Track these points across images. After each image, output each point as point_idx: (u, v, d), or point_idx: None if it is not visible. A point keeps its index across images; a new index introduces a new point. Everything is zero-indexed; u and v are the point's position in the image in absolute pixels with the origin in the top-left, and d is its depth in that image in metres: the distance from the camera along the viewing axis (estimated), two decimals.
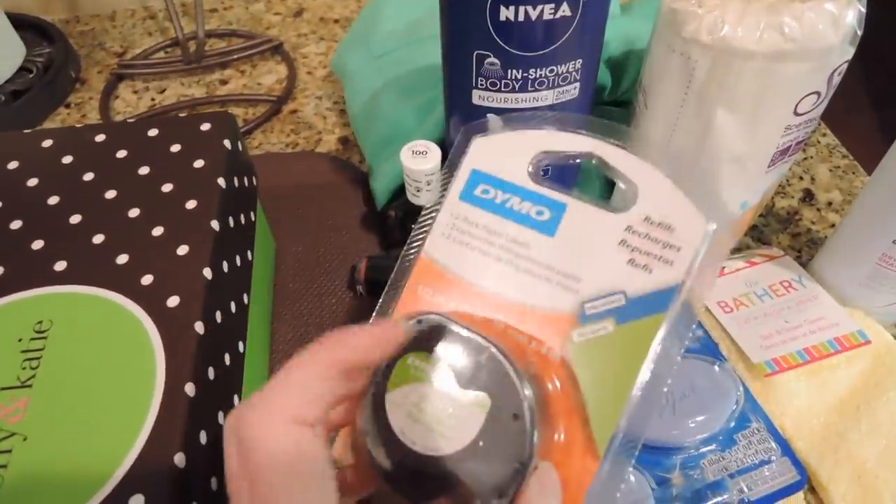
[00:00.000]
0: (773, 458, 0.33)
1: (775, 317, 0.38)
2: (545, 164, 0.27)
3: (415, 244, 0.26)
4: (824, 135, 0.50)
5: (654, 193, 0.24)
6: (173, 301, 0.28)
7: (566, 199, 0.25)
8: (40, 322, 0.28)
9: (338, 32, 0.61)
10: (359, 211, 0.45)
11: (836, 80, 0.33)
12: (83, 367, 0.26)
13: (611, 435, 0.22)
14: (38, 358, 0.26)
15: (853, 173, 0.47)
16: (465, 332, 0.23)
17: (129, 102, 0.56)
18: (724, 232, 0.23)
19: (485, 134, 0.27)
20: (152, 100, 0.55)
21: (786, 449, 0.34)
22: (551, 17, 0.31)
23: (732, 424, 0.34)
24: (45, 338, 0.27)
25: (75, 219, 0.32)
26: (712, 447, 0.34)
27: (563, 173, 0.38)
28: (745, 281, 0.40)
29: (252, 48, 0.58)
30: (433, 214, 0.27)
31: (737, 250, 0.42)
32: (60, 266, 0.30)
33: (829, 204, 0.45)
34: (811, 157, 0.48)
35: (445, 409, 0.22)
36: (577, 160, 0.26)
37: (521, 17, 0.31)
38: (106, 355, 0.26)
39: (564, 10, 0.31)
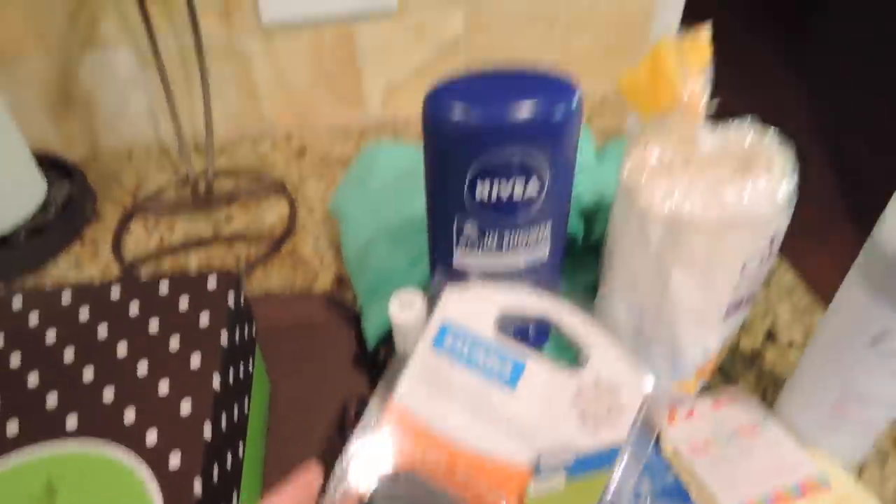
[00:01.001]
0: None
1: (742, 460, 0.40)
2: (509, 320, 0.30)
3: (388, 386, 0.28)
4: (785, 273, 0.54)
5: (603, 358, 0.27)
6: (175, 458, 0.30)
7: (525, 358, 0.27)
8: (51, 481, 0.30)
9: (337, 171, 0.66)
10: (351, 350, 0.48)
11: (778, 242, 0.37)
12: None
13: None
14: None
15: (813, 313, 0.50)
16: (439, 492, 0.24)
17: (140, 239, 0.60)
18: (662, 396, 0.26)
19: (457, 284, 0.30)
20: (161, 238, 0.60)
21: None
22: (521, 194, 0.35)
23: None
24: (53, 501, 0.29)
25: (88, 373, 0.34)
26: None
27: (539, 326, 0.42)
28: (714, 423, 0.42)
29: (257, 188, 0.63)
30: (407, 360, 0.29)
31: (705, 390, 0.45)
32: (72, 421, 0.32)
33: (791, 343, 0.48)
34: (773, 297, 0.52)
35: None
36: (536, 322, 0.29)
37: (494, 195, 0.35)
38: None
39: (533, 188, 0.35)
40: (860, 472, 0.41)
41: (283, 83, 0.70)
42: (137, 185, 0.66)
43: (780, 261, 0.55)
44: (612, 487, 0.24)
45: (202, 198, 0.62)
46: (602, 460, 0.25)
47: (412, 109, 0.74)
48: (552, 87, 0.35)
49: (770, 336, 0.49)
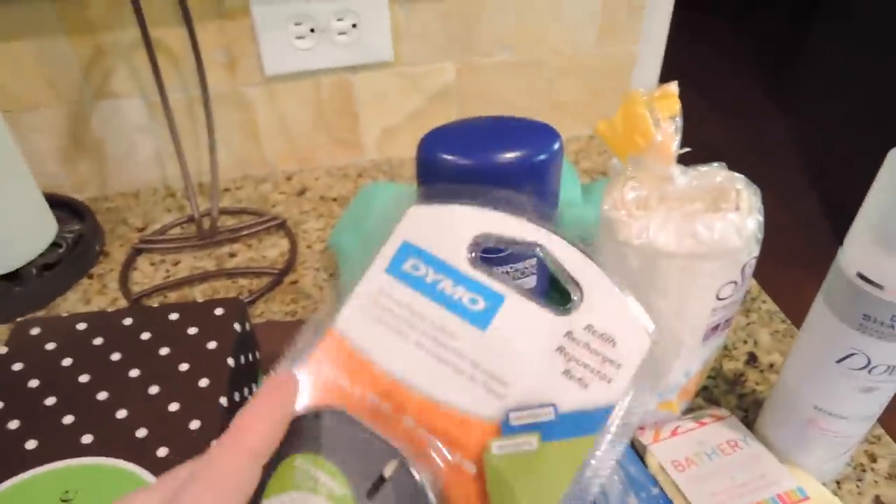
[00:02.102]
0: None
1: (723, 475, 0.42)
2: (485, 246, 0.24)
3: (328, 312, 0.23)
4: (765, 301, 0.56)
5: (599, 300, 0.22)
6: None
7: (505, 291, 0.22)
8: (67, 491, 0.32)
9: (335, 210, 0.69)
10: None
11: (749, 271, 0.40)
12: None
13: None
14: None
15: (790, 337, 0.53)
16: (371, 435, 0.20)
17: (147, 274, 0.62)
18: (669, 350, 0.21)
19: (424, 202, 0.24)
20: (167, 272, 0.62)
21: None
22: None
23: None
24: None
25: (102, 395, 0.36)
26: None
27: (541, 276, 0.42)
28: (697, 440, 0.44)
29: (259, 225, 0.66)
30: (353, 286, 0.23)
31: (689, 411, 0.47)
32: (87, 439, 0.34)
33: (771, 366, 0.51)
34: (754, 322, 0.54)
35: None
36: (522, 249, 0.24)
37: None
38: None
39: None
40: (838, 486, 0.43)
41: (284, 128, 0.73)
42: (144, 224, 0.69)
43: (760, 290, 0.58)
44: (593, 461, 0.20)
45: (206, 234, 0.64)
46: (588, 422, 0.20)
47: (406, 152, 0.78)
48: (535, 134, 0.38)
49: (751, 359, 0.51)
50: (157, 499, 0.19)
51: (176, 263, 0.63)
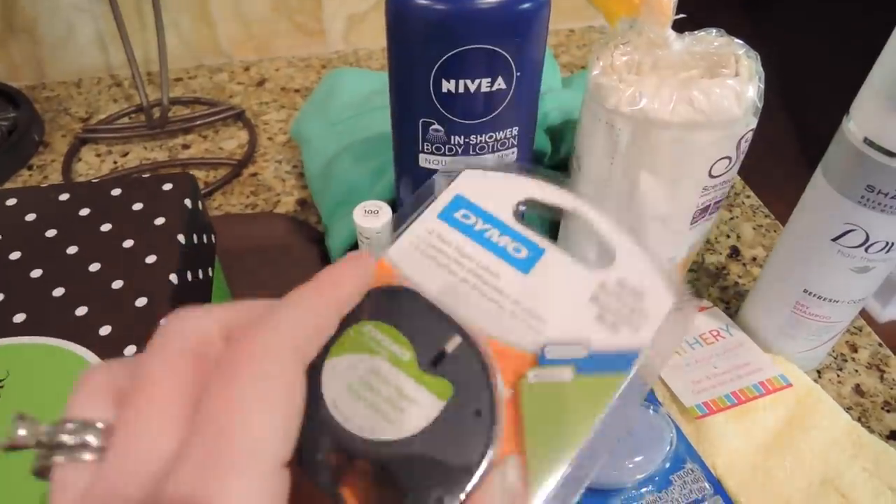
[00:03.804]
0: (706, 497, 0.35)
1: (705, 363, 0.40)
2: (524, 211, 0.26)
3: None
4: (748, 196, 0.54)
5: (630, 261, 0.24)
6: (129, 351, 0.29)
7: (546, 245, 0.24)
8: None
9: (298, 101, 0.64)
10: (315, 269, 0.46)
11: (744, 146, 0.37)
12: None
13: (543, 488, 0.20)
14: None
15: (774, 231, 0.51)
16: (438, 313, 0.21)
17: (92, 165, 0.57)
18: (688, 314, 0.23)
19: (476, 167, 0.26)
20: (115, 163, 0.57)
21: (718, 488, 0.36)
22: (488, 89, 0.34)
23: (668, 465, 0.36)
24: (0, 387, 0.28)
25: (36, 273, 0.33)
26: (650, 488, 0.35)
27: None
28: None
29: (215, 115, 0.60)
30: (406, 225, 0.25)
31: None
32: (20, 318, 0.31)
33: (754, 259, 0.49)
34: (737, 217, 0.52)
35: (397, 390, 0.20)
36: (560, 214, 0.26)
37: (461, 90, 0.34)
38: (60, 404, 0.27)
39: (500, 83, 0.35)
40: (819, 375, 0.42)
41: (239, 11, 0.67)
42: (88, 115, 0.63)
43: (744, 185, 0.55)
44: (617, 396, 0.21)
45: (157, 124, 0.59)
46: (618, 362, 0.22)
47: (375, 42, 0.72)
48: None
49: (734, 253, 0.49)
50: (240, 315, 0.18)
51: (124, 154, 0.58)
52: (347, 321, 0.20)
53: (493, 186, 0.26)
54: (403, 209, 0.26)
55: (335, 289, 0.20)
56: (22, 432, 0.17)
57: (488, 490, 0.19)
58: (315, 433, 0.19)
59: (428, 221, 0.25)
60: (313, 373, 0.19)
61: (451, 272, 0.23)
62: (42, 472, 0.17)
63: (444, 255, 0.24)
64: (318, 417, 0.19)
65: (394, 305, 0.22)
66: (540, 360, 0.22)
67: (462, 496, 0.19)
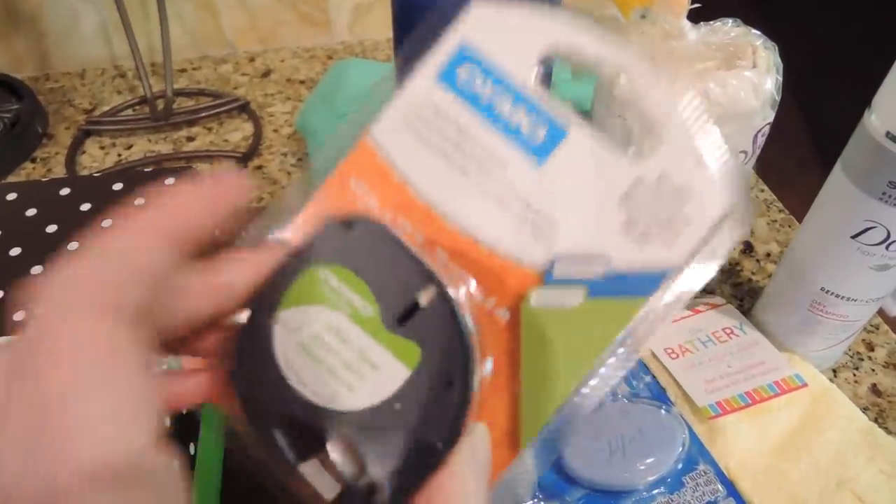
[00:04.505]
0: (719, 498, 0.34)
1: (718, 362, 0.39)
2: (549, 67, 0.20)
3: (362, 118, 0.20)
4: (762, 190, 0.53)
5: (679, 147, 0.18)
6: None
7: (572, 123, 0.19)
8: None
9: (303, 93, 0.63)
10: None
11: (761, 140, 0.36)
12: None
13: (539, 430, 0.18)
14: None
15: (789, 226, 0.50)
16: (410, 256, 0.18)
17: (96, 157, 0.57)
18: (742, 226, 0.18)
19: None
20: (119, 155, 0.57)
21: (731, 490, 0.35)
22: None
23: (680, 466, 0.35)
24: None
25: (37, 269, 0.32)
26: (661, 490, 0.35)
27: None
28: (690, 328, 0.41)
29: (219, 107, 0.60)
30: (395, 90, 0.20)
31: None
32: (20, 316, 0.30)
33: (768, 255, 0.48)
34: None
35: (359, 353, 0.17)
36: (598, 74, 0.21)
37: None
38: None
39: None
40: (834, 374, 0.41)
41: (244, 2, 0.66)
42: (92, 106, 0.62)
43: (758, 179, 0.54)
44: (637, 327, 0.18)
45: (161, 116, 0.58)
46: (640, 284, 0.18)
47: (381, 33, 0.71)
48: None
49: (747, 248, 0.48)
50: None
51: (129, 147, 0.58)
52: (300, 263, 0.17)
53: (510, 29, 0.19)
54: (405, 51, 0.20)
55: (164, 219, 0.16)
56: None
57: (455, 472, 0.16)
58: (266, 396, 0.17)
59: (423, 87, 0.19)
60: (263, 326, 0.17)
61: (446, 158, 0.19)
62: None
63: (440, 134, 0.19)
64: (268, 379, 0.17)
65: (353, 243, 0.18)
66: (546, 278, 0.18)
67: (425, 478, 0.16)
